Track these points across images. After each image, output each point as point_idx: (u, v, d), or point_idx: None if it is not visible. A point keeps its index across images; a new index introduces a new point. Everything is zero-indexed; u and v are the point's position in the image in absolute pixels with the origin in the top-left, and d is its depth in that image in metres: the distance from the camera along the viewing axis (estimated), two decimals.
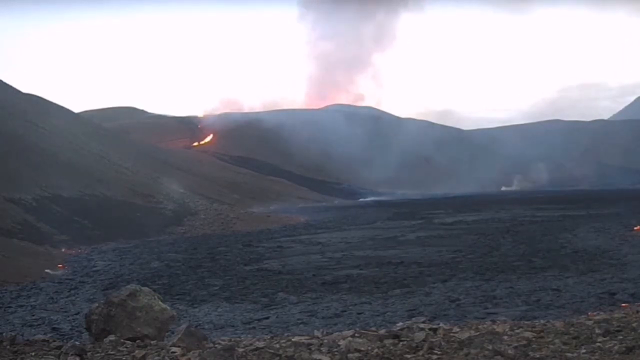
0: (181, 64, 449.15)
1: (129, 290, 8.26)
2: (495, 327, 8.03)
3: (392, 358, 6.70)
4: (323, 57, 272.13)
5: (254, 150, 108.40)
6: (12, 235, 29.04)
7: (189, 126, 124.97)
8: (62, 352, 7.04)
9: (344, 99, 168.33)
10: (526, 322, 9.00)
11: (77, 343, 7.63)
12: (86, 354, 6.98)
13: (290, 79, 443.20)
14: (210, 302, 16.72)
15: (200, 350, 6.92)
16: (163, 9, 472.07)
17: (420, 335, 7.28)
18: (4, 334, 7.89)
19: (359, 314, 14.62)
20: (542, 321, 9.08)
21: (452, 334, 7.43)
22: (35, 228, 31.79)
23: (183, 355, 6.86)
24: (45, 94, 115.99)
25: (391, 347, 7.02)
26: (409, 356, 6.71)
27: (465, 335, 7.30)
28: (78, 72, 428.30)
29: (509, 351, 6.58)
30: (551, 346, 6.85)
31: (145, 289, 8.44)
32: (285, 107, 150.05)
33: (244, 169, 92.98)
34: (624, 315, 8.88)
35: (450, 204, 63.93)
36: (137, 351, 7.09)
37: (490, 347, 6.73)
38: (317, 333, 7.99)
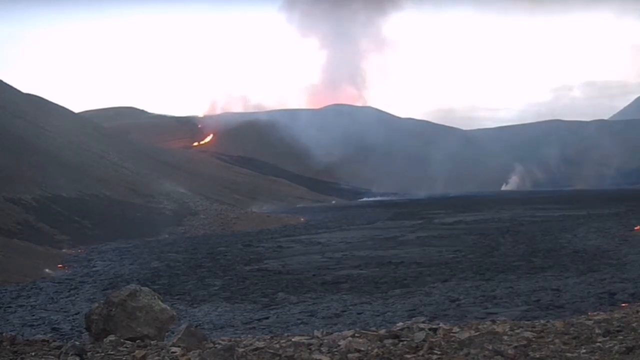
0: (181, 64, 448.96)
1: (129, 290, 8.25)
2: (495, 327, 8.01)
3: (392, 358, 6.69)
4: (322, 57, 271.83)
5: (254, 150, 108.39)
6: (12, 235, 29.06)
7: (189, 126, 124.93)
8: (62, 352, 7.04)
9: (343, 99, 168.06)
10: (526, 322, 8.98)
11: (77, 343, 7.61)
12: (86, 354, 6.97)
13: (290, 79, 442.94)
14: (210, 302, 16.73)
15: (200, 350, 6.91)
16: (163, 9, 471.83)
17: (420, 335, 7.27)
18: (4, 334, 7.88)
19: (359, 314, 14.63)
20: (542, 321, 9.06)
21: (452, 334, 7.41)
22: (35, 228, 31.81)
23: (183, 355, 6.86)
24: (46, 94, 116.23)
25: (391, 347, 7.01)
26: (409, 356, 6.70)
27: (465, 335, 7.29)
28: (78, 72, 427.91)
29: (509, 351, 6.58)
30: (551, 346, 6.85)
31: (145, 289, 8.42)
32: (285, 107, 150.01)
33: (244, 169, 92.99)
34: (624, 315, 8.86)
35: (450, 204, 63.90)
36: (137, 351, 7.09)
37: (490, 347, 6.72)
38: (317, 333, 7.98)
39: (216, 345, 7.26)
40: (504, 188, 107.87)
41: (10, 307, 16.87)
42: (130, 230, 36.75)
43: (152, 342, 7.63)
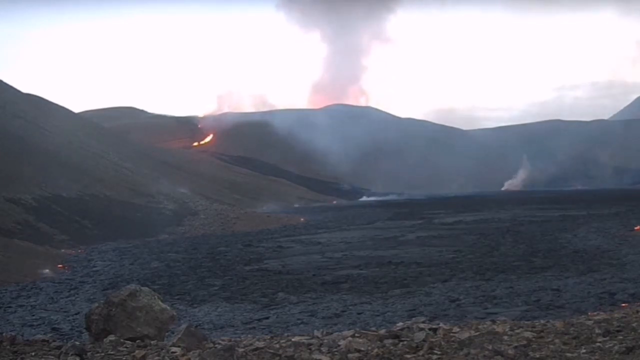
0: (181, 64, 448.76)
1: (129, 290, 8.25)
2: (495, 327, 8.01)
3: (392, 358, 6.69)
4: (322, 57, 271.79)
5: (254, 150, 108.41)
6: (12, 235, 29.05)
7: (188, 126, 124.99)
8: (62, 352, 7.04)
9: (343, 98, 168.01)
10: (526, 322, 8.98)
11: (77, 343, 7.62)
12: (86, 354, 6.97)
13: (291, 79, 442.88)
14: (210, 302, 16.73)
15: (200, 350, 6.92)
16: (162, 9, 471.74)
17: (420, 335, 7.27)
18: (4, 334, 7.88)
19: (359, 314, 14.63)
20: (542, 321, 9.06)
21: (452, 334, 7.41)
22: (35, 228, 31.79)
23: (183, 355, 6.86)
24: (45, 94, 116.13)
25: (391, 347, 7.01)
26: (409, 356, 6.70)
27: (465, 335, 7.29)
28: (78, 72, 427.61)
29: (509, 351, 6.58)
30: (551, 346, 6.84)
31: (145, 289, 8.43)
32: (285, 107, 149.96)
33: (244, 169, 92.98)
34: (624, 315, 8.86)
35: (450, 204, 63.89)
36: (137, 351, 7.09)
37: (490, 347, 6.72)
38: (317, 333, 7.98)
39: (216, 345, 7.26)
40: (507, 185, 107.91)
41: (10, 307, 16.87)
42: (130, 230, 36.74)
43: (152, 342, 7.64)
